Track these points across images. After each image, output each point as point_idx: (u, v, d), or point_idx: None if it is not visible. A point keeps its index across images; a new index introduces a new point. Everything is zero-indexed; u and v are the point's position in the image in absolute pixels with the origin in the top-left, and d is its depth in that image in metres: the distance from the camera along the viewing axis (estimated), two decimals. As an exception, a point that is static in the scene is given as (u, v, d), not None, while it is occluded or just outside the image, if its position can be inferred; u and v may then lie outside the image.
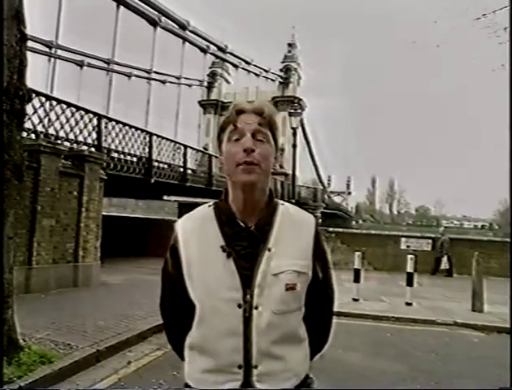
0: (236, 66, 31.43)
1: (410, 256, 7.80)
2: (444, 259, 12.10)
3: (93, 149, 10.38)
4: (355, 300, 7.53)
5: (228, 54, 29.60)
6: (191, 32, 24.85)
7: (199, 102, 35.74)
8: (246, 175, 1.02)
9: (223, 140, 1.09)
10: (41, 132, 9.43)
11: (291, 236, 1.08)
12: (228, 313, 1.02)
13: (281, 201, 1.16)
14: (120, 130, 12.27)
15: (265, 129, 1.07)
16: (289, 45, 36.42)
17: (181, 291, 1.08)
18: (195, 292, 1.06)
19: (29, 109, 7.54)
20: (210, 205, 1.13)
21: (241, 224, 1.06)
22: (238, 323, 1.01)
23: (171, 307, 1.18)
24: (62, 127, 10.09)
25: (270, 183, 1.12)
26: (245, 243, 1.05)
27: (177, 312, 1.14)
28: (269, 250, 1.05)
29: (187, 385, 1.11)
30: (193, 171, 16.75)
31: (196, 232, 1.09)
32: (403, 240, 13.25)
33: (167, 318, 1.21)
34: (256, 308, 1.02)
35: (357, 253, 7.99)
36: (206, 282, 1.04)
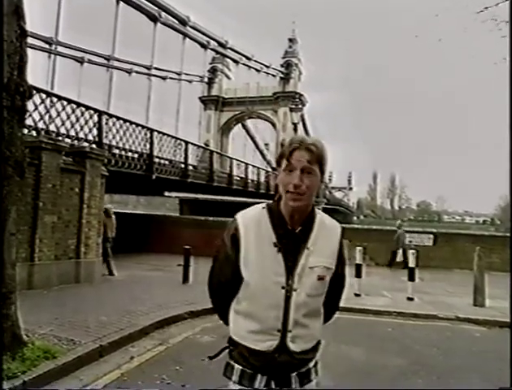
0: (236, 61, 31.31)
1: (411, 251, 7.81)
2: (400, 252, 12.26)
3: (94, 146, 10.38)
4: (357, 295, 7.54)
5: (229, 50, 29.47)
6: (191, 27, 24.74)
7: (200, 98, 35.66)
8: (293, 202, 1.34)
9: (280, 165, 1.38)
10: (42, 129, 9.43)
11: (324, 239, 1.43)
12: (275, 291, 1.37)
13: (319, 212, 1.48)
14: (121, 126, 12.24)
15: (313, 165, 1.34)
16: (290, 40, 36.27)
17: (235, 270, 1.40)
18: (249, 273, 1.38)
19: (30, 106, 7.52)
20: (263, 207, 1.44)
21: (289, 227, 1.39)
22: (281, 300, 1.37)
23: (223, 281, 1.49)
24: (63, 124, 10.08)
25: (313, 200, 1.41)
26: (291, 242, 1.39)
27: (227, 285, 1.46)
28: (308, 249, 1.40)
29: (231, 340, 1.46)
30: (194, 167, 16.74)
31: (253, 228, 1.40)
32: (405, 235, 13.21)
33: (218, 288, 1.53)
34: (295, 290, 1.37)
35: (359, 249, 7.99)
36: (260, 267, 1.37)
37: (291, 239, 1.39)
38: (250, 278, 1.39)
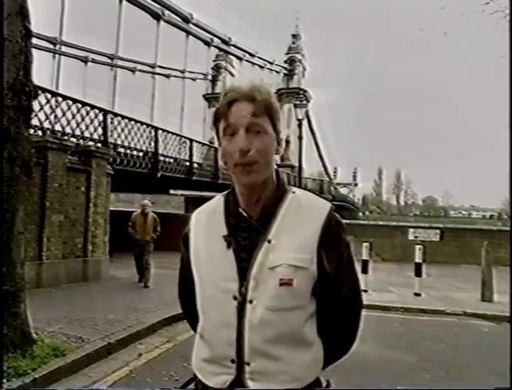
0: (240, 58, 31.26)
1: (418, 246, 7.77)
2: None
3: (99, 145, 10.43)
4: (364, 291, 7.44)
5: (232, 47, 29.44)
6: (194, 25, 24.74)
7: (204, 96, 35.66)
8: (245, 177, 0.97)
9: (219, 132, 1.02)
10: (48, 129, 9.49)
11: (294, 226, 1.00)
12: (224, 303, 0.99)
13: (294, 189, 1.07)
14: (126, 125, 12.29)
15: (261, 117, 0.97)
16: (293, 36, 36.12)
17: (190, 278, 1.09)
18: (198, 281, 1.05)
19: (35, 106, 7.57)
20: (222, 195, 1.12)
21: (244, 214, 1.02)
22: (232, 316, 0.98)
23: (183, 294, 1.21)
24: (68, 124, 10.14)
25: (273, 171, 1.04)
26: (245, 234, 1.01)
27: (189, 298, 1.12)
28: (269, 242, 0.99)
29: (194, 374, 1.11)
30: (199, 164, 16.77)
31: (204, 222, 1.08)
32: (411, 230, 13.10)
33: (182, 305, 1.25)
34: (250, 302, 0.97)
35: (365, 244, 7.97)
36: (207, 271, 1.03)
37: (245, 230, 1.01)
38: (199, 287, 1.05)
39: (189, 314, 1.20)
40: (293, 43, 35.87)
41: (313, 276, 0.99)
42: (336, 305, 1.04)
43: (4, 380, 3.15)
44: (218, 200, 1.11)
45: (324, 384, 1.06)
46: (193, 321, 1.14)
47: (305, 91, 33.11)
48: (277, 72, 34.31)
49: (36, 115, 8.73)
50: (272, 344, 0.97)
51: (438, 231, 13.01)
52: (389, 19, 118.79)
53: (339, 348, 1.11)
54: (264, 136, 0.98)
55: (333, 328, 1.06)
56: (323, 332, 1.05)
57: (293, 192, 1.06)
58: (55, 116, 9.80)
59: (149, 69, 23.82)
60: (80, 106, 10.48)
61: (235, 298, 0.98)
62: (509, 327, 4.88)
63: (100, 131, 11.08)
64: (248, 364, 0.97)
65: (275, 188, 1.04)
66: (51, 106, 9.63)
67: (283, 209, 1.02)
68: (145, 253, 7.84)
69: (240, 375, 0.98)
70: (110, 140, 11.38)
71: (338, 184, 53.10)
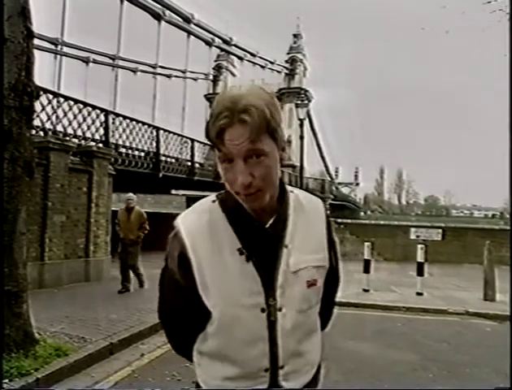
0: (241, 58, 31.27)
1: (420, 246, 7.75)
2: None
3: (101, 145, 10.45)
4: (365, 290, 7.52)
5: (233, 47, 29.45)
6: (195, 25, 24.77)
7: (205, 96, 35.70)
8: (250, 203, 0.92)
9: (215, 151, 0.92)
10: (50, 129, 9.51)
11: (305, 228, 1.02)
12: (252, 319, 0.95)
13: (290, 189, 1.05)
14: (127, 125, 12.31)
15: (259, 139, 0.87)
16: (295, 35, 36.15)
17: (193, 300, 0.96)
18: (211, 300, 0.95)
19: (37, 106, 7.58)
20: (213, 201, 1.01)
21: (257, 223, 0.96)
22: (263, 328, 0.95)
23: (176, 313, 1.05)
24: (70, 124, 10.16)
25: (277, 182, 0.97)
26: (262, 243, 0.96)
27: (186, 320, 1.03)
28: (286, 247, 0.97)
29: (198, 385, 1.05)
30: (200, 164, 16.77)
31: (204, 234, 0.96)
32: (412, 230, 13.08)
33: (171, 323, 1.10)
34: (280, 310, 0.95)
35: (367, 244, 7.96)
36: (224, 289, 0.94)
37: (261, 239, 0.96)
38: (214, 306, 0.95)
39: (179, 336, 1.10)
40: (294, 43, 35.90)
41: (325, 271, 1.05)
42: (329, 288, 1.11)
43: (6, 380, 3.16)
44: (210, 206, 1.00)
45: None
46: (185, 343, 1.08)
47: (306, 91, 33.12)
48: (278, 72, 34.34)
49: (38, 116, 8.75)
50: (302, 343, 1.01)
51: (440, 231, 12.98)
52: (390, 18, 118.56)
53: (327, 318, 1.21)
54: (266, 159, 0.89)
55: (325, 305, 1.12)
56: (320, 310, 1.11)
57: (291, 192, 1.05)
58: (57, 117, 9.82)
59: (151, 69, 23.87)
60: (81, 106, 10.50)
61: (263, 310, 0.95)
62: (509, 326, 4.88)
63: (101, 131, 11.09)
64: (282, 368, 0.98)
65: (279, 193, 0.99)
66: (53, 107, 9.64)
67: (291, 211, 1.01)
68: (129, 257, 6.95)
69: (274, 380, 0.98)
70: (112, 140, 11.39)
71: (340, 183, 53.12)
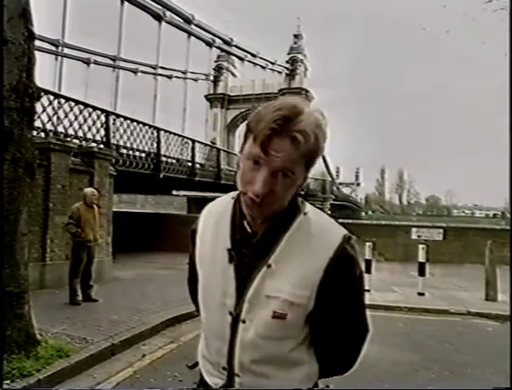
0: (241, 59, 31.28)
1: (421, 246, 7.74)
2: None
3: (101, 146, 10.45)
4: (367, 290, 7.51)
5: (234, 47, 29.46)
6: (196, 25, 24.78)
7: (206, 96, 35.74)
8: (249, 208, 0.91)
9: (246, 142, 0.90)
10: (51, 130, 9.51)
11: (299, 255, 0.93)
12: (220, 316, 0.98)
13: (307, 209, 0.97)
14: (128, 126, 12.30)
15: (296, 164, 0.86)
16: (295, 36, 36.14)
17: (195, 274, 1.09)
18: (201, 286, 1.05)
19: (38, 107, 7.59)
20: (232, 197, 1.03)
21: (249, 230, 0.95)
22: (226, 330, 0.97)
23: (191, 287, 1.20)
24: (70, 125, 10.15)
25: (285, 202, 0.93)
26: (248, 251, 0.95)
27: (196, 292, 1.11)
28: (268, 266, 0.93)
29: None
30: (201, 165, 16.78)
31: (211, 226, 1.04)
32: (414, 230, 13.09)
33: (192, 295, 1.23)
34: (243, 321, 0.95)
35: (368, 244, 7.94)
36: (209, 281, 1.01)
37: (248, 247, 0.95)
38: (201, 293, 1.05)
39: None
40: (295, 43, 35.89)
41: (309, 310, 0.95)
42: (334, 339, 1.01)
43: (8, 381, 3.16)
44: (227, 203, 1.04)
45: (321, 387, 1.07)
46: None
47: (307, 91, 33.08)
48: (279, 72, 34.33)
49: (39, 117, 8.76)
50: (260, 365, 0.96)
51: (441, 231, 12.96)
52: (391, 18, 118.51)
53: (336, 369, 1.09)
54: (290, 181, 0.88)
55: (331, 355, 1.04)
56: (322, 355, 1.03)
57: (305, 214, 0.97)
58: (58, 118, 9.82)
59: (151, 70, 23.87)
60: (82, 107, 10.49)
61: (230, 314, 0.97)
62: (509, 326, 4.87)
63: (102, 132, 11.09)
64: (238, 376, 0.98)
65: (285, 206, 0.93)
66: (54, 108, 9.64)
67: (289, 233, 0.94)
68: (92, 260, 6.27)
69: (230, 382, 0.99)
70: (113, 141, 11.39)
71: (341, 183, 53.11)
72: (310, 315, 0.95)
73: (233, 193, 1.04)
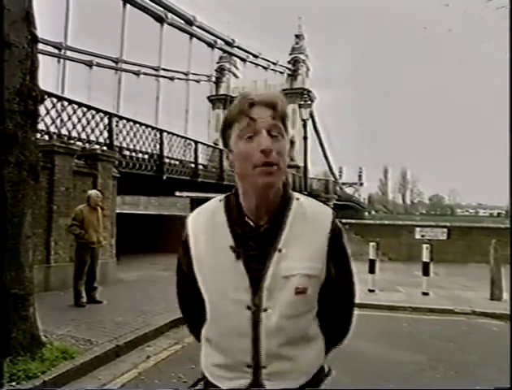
0: (243, 60, 31.29)
1: (425, 245, 7.71)
2: None
3: (105, 148, 10.49)
4: (371, 291, 7.49)
5: (236, 48, 29.47)
6: (198, 27, 24.81)
7: (208, 98, 35.76)
8: (265, 178, 0.96)
9: (230, 136, 1.02)
10: (54, 133, 9.56)
11: (303, 235, 1.03)
12: (237, 314, 1.01)
13: (297, 196, 1.09)
14: (131, 128, 12.35)
15: (279, 124, 1.00)
16: (297, 36, 36.09)
17: (194, 286, 1.08)
18: (205, 290, 1.06)
19: (42, 110, 7.62)
20: (220, 200, 1.10)
21: (251, 224, 1.02)
22: (247, 325, 1.00)
23: (185, 300, 1.20)
24: (74, 127, 10.21)
25: (283, 177, 1.04)
26: (253, 243, 1.01)
27: (191, 304, 1.14)
28: (279, 251, 1.01)
29: (203, 375, 1.13)
30: (204, 166, 16.81)
31: (205, 229, 1.06)
32: (417, 229, 13.02)
33: (183, 309, 1.24)
34: (265, 310, 1.00)
35: (372, 244, 7.93)
36: (216, 282, 1.03)
37: (254, 239, 1.01)
38: (208, 297, 1.06)
39: (190, 320, 1.22)
40: (297, 44, 35.83)
41: (320, 282, 1.05)
42: (335, 302, 1.12)
43: (14, 383, 3.18)
44: (215, 207, 1.09)
45: (326, 370, 1.14)
46: (194, 326, 1.18)
47: (309, 91, 32.99)
48: (281, 73, 34.31)
49: (42, 120, 8.80)
50: (286, 347, 1.02)
51: (445, 230, 12.91)
52: (393, 17, 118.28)
53: (339, 334, 1.19)
54: (282, 140, 1.00)
55: (333, 319, 1.14)
56: (324, 326, 1.12)
57: (297, 199, 1.08)
58: (61, 120, 9.87)
59: (153, 72, 23.92)
60: (85, 109, 10.55)
61: (248, 308, 1.00)
62: (510, 326, 4.85)
63: (105, 134, 11.14)
64: (264, 367, 1.01)
65: (281, 195, 1.05)
66: (57, 111, 9.70)
67: (290, 217, 1.04)
68: (96, 262, 6.29)
69: (256, 378, 1.02)
70: (116, 143, 11.44)
71: (344, 183, 52.99)
72: (322, 286, 1.06)
73: (219, 197, 1.11)
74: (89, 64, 20.73)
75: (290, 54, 35.20)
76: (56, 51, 18.65)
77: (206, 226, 1.07)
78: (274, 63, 32.97)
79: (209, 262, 1.04)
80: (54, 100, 9.71)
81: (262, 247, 1.01)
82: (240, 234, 1.02)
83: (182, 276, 1.14)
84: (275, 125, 0.99)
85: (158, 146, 13.38)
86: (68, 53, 19.19)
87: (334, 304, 1.12)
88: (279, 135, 0.99)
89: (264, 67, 32.54)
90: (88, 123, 10.59)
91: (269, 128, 0.98)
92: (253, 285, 1.00)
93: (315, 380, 1.08)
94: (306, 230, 1.04)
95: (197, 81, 29.16)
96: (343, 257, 1.10)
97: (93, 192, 6.48)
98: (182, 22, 23.61)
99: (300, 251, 1.02)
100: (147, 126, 13.34)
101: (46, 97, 8.47)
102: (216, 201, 1.10)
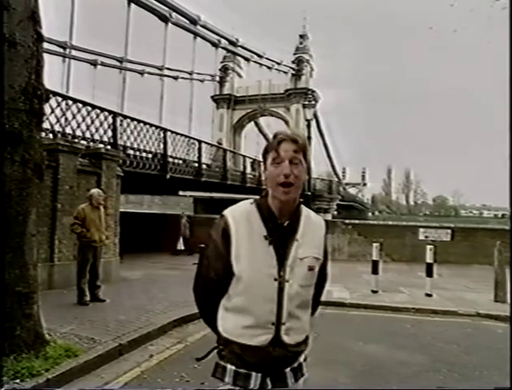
0: (247, 59, 31.28)
1: (429, 246, 7.68)
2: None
3: (109, 147, 10.52)
4: (374, 292, 7.47)
5: (240, 48, 29.46)
6: (202, 26, 24.81)
7: (212, 97, 35.75)
8: (285, 195, 1.39)
9: (267, 160, 1.43)
10: (59, 132, 9.60)
11: (311, 231, 1.49)
12: (267, 284, 1.39)
13: (304, 207, 1.53)
14: (135, 127, 12.38)
15: (299, 154, 1.41)
16: (301, 36, 36.02)
17: (226, 265, 1.41)
18: (241, 267, 1.39)
19: (47, 109, 7.65)
20: (251, 203, 1.48)
21: (278, 221, 1.43)
22: (274, 292, 1.40)
23: (214, 277, 1.47)
24: (78, 126, 10.24)
25: (299, 194, 1.45)
26: (280, 235, 1.42)
27: (218, 282, 1.45)
28: (297, 241, 1.44)
29: (221, 339, 1.44)
30: (207, 165, 16.82)
31: (244, 223, 1.43)
32: (421, 230, 13.00)
33: (207, 287, 1.50)
34: (287, 281, 1.40)
35: (375, 245, 7.90)
36: (253, 261, 1.40)
37: (280, 232, 1.43)
38: (243, 272, 1.40)
39: (206, 304, 1.53)
40: (301, 43, 35.76)
41: (320, 262, 1.51)
42: (320, 278, 1.56)
43: (18, 381, 3.19)
44: (249, 207, 1.47)
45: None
46: (212, 313, 1.50)
47: (313, 91, 32.89)
48: (285, 73, 34.26)
49: (47, 119, 8.84)
50: (298, 309, 1.44)
51: (449, 231, 12.87)
52: (397, 17, 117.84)
53: (317, 304, 1.64)
54: (300, 167, 1.41)
55: (316, 293, 1.56)
56: (312, 296, 1.53)
57: (305, 209, 1.53)
58: (66, 119, 9.91)
59: (158, 71, 23.95)
60: (89, 108, 10.58)
61: (275, 279, 1.40)
62: (509, 326, 4.81)
63: (109, 133, 11.17)
64: (283, 324, 1.40)
65: (297, 204, 1.47)
66: (62, 109, 9.73)
67: (302, 219, 1.48)
68: (98, 260, 6.32)
69: (278, 333, 1.40)
70: (120, 142, 11.47)
71: (347, 184, 52.90)
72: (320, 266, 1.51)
73: (251, 200, 1.49)
74: (94, 63, 20.77)
75: (294, 54, 35.14)
76: (61, 50, 18.70)
77: (244, 220, 1.43)
78: (278, 63, 32.92)
79: (247, 246, 1.40)
80: (59, 99, 9.74)
81: (286, 237, 1.43)
82: (270, 227, 1.42)
83: (215, 258, 1.45)
84: (295, 157, 1.40)
85: (161, 145, 13.41)
86: (73, 52, 19.22)
87: (318, 284, 1.55)
88: (299, 163, 1.41)
89: (268, 67, 32.49)
90: (93, 121, 10.62)
91: (291, 158, 1.40)
92: (279, 263, 1.40)
93: (306, 337, 1.50)
94: (312, 228, 1.51)
95: (201, 81, 29.16)
96: (327, 252, 1.59)
97: (94, 191, 6.48)
98: (186, 21, 23.63)
99: (310, 241, 1.47)
100: (151, 125, 13.37)
101: (51, 95, 8.50)
102: (247, 203, 1.49)
